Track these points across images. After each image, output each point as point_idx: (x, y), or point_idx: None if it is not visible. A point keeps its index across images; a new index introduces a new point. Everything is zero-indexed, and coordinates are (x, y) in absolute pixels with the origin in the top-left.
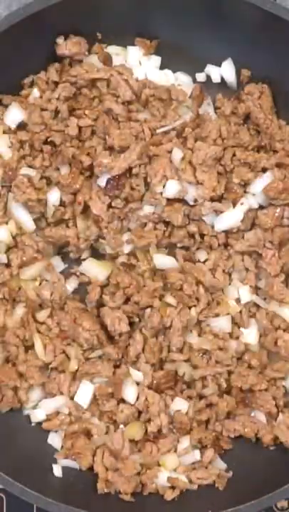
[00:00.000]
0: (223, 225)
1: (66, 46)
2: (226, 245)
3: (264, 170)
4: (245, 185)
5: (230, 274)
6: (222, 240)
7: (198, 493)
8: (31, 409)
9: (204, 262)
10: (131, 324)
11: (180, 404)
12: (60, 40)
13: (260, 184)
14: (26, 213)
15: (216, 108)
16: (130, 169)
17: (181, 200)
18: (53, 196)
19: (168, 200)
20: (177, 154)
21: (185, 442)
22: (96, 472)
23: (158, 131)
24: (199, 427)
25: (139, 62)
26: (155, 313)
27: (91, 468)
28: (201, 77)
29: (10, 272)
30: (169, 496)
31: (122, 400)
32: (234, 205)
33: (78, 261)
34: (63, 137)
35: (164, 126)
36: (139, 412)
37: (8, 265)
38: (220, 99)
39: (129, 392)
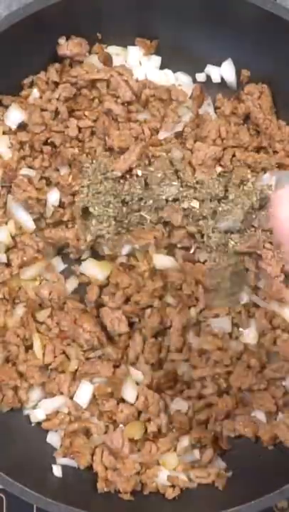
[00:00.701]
0: (223, 225)
1: (68, 47)
2: (226, 245)
3: (264, 170)
4: (245, 185)
5: None
6: (222, 240)
7: (198, 493)
8: (31, 409)
9: (204, 262)
10: (131, 324)
11: (179, 405)
12: (61, 41)
13: (260, 185)
14: (26, 213)
15: (215, 108)
16: (130, 170)
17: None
18: (53, 197)
19: (167, 200)
20: (177, 155)
21: (184, 441)
22: (95, 471)
23: (160, 137)
24: (198, 427)
25: (140, 63)
26: (155, 313)
27: (91, 468)
28: (201, 77)
29: (10, 271)
30: (170, 494)
31: (122, 400)
32: (235, 204)
33: (78, 261)
34: (63, 138)
35: (166, 131)
36: (139, 412)
37: (8, 265)
38: (220, 99)
39: (129, 392)
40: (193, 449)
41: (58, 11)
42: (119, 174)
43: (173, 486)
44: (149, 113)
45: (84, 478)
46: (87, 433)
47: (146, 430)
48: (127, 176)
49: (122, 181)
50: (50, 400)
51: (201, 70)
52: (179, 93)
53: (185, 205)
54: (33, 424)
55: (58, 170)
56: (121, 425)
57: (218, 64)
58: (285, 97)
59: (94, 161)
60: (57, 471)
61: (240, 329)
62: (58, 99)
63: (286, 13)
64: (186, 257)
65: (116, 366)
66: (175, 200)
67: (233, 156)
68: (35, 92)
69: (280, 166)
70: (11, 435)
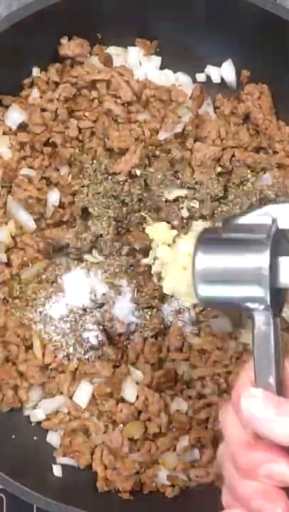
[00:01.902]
0: None
1: (70, 47)
2: None
3: (264, 171)
4: (244, 185)
5: None
6: None
7: (199, 492)
8: (31, 409)
9: None
10: (130, 324)
11: (179, 404)
12: (64, 41)
13: (259, 185)
14: (27, 213)
15: (215, 108)
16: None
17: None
18: (53, 197)
19: (167, 201)
20: (176, 155)
21: (184, 441)
22: (95, 471)
23: (159, 138)
24: (199, 426)
25: (140, 63)
26: (155, 314)
27: (90, 467)
28: (201, 77)
29: (10, 271)
30: (169, 494)
31: (122, 400)
32: (234, 205)
33: (78, 261)
34: (64, 138)
35: (166, 132)
36: (139, 412)
37: (8, 265)
38: (220, 99)
39: (129, 391)
40: (192, 449)
41: (58, 11)
42: (124, 178)
43: (172, 486)
44: (150, 113)
45: (84, 477)
46: (87, 432)
47: (146, 430)
48: (127, 177)
49: (121, 182)
50: (50, 400)
51: (201, 70)
52: (179, 93)
53: (185, 205)
54: (33, 424)
55: (58, 170)
56: (121, 425)
57: (218, 64)
58: (285, 97)
59: (94, 161)
60: (57, 470)
61: (240, 329)
62: (58, 99)
63: (286, 13)
64: None
65: (116, 366)
66: (175, 200)
67: (233, 156)
68: (35, 92)
69: (280, 167)
70: (10, 435)
